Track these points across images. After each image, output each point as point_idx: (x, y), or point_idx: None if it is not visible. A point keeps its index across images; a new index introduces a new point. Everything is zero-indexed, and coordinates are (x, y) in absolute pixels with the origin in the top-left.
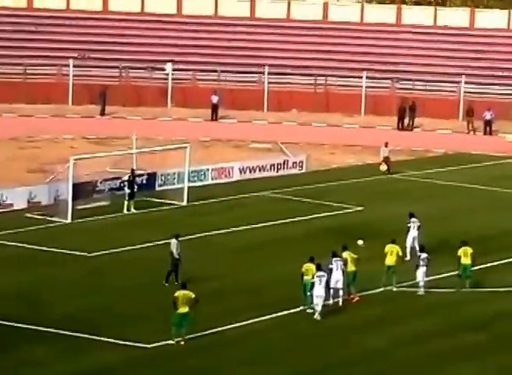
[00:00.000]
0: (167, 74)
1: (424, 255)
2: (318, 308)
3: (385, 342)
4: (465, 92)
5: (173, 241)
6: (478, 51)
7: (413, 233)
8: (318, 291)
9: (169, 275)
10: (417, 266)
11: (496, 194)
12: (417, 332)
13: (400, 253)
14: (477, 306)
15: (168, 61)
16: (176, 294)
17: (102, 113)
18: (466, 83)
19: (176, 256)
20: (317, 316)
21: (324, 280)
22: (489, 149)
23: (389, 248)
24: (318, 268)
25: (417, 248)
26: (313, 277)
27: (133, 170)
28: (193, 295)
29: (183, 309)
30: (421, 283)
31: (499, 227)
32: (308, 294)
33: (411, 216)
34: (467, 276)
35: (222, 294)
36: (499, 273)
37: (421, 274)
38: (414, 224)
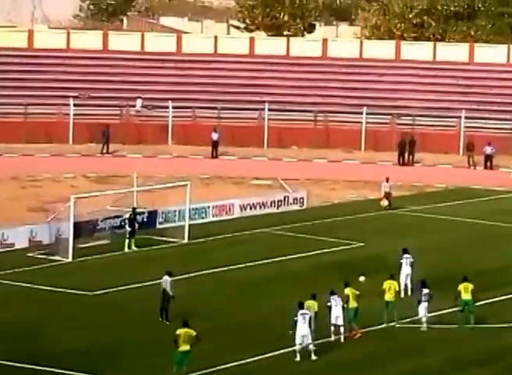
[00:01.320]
0: (138, 111)
1: (426, 291)
2: (310, 347)
3: None
4: (465, 127)
5: (166, 278)
6: (478, 86)
7: (406, 269)
8: (303, 330)
9: (162, 310)
10: (419, 302)
11: (497, 229)
12: (419, 369)
13: (398, 289)
14: (480, 342)
15: (137, 97)
16: (178, 332)
17: (107, 152)
18: (466, 117)
19: (170, 293)
20: (298, 358)
21: (307, 318)
22: (490, 184)
23: (387, 284)
24: (301, 306)
25: (410, 286)
26: (296, 315)
27: (134, 208)
28: (195, 333)
29: (185, 347)
30: (424, 319)
31: (501, 262)
32: (290, 332)
33: (404, 251)
34: (469, 311)
35: (223, 331)
36: (501, 308)
37: (423, 310)
38: (406, 260)
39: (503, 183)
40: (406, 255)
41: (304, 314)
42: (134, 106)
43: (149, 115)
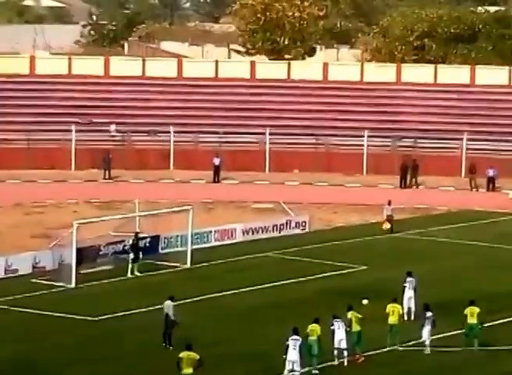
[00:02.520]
0: (113, 136)
1: (429, 314)
2: (286, 372)
3: None
4: (467, 149)
5: (168, 303)
6: (480, 108)
7: (408, 293)
8: (292, 356)
9: (165, 336)
10: (423, 325)
11: (501, 252)
12: None
13: (401, 312)
14: (485, 366)
15: (111, 122)
16: (181, 355)
17: (108, 177)
18: (468, 140)
19: (172, 318)
20: None
21: (298, 344)
22: (493, 206)
23: (390, 307)
24: (295, 332)
25: (413, 309)
26: (287, 340)
27: (136, 234)
28: (198, 357)
29: (187, 371)
30: (427, 343)
31: (505, 286)
32: (284, 357)
33: (408, 274)
34: (474, 335)
35: (227, 359)
36: (505, 332)
37: (426, 333)
38: (409, 284)
39: (505, 206)
40: (409, 279)
41: (295, 340)
42: (127, 132)
43: (151, 140)
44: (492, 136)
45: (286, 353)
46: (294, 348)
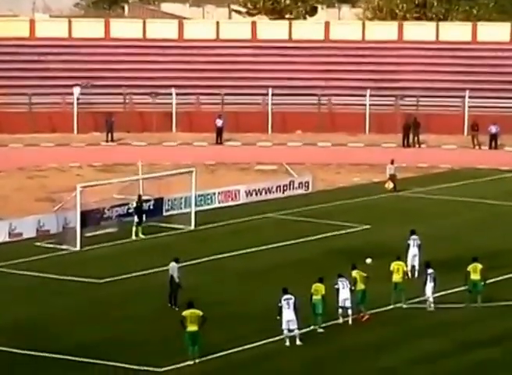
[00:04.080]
0: (78, 99)
1: (430, 271)
2: (295, 332)
3: (397, 361)
4: (469, 107)
5: (173, 265)
6: (482, 65)
7: (413, 251)
8: (288, 316)
9: (171, 297)
10: (425, 282)
11: (503, 209)
12: (429, 350)
13: (406, 269)
14: (489, 322)
15: (75, 85)
16: (184, 314)
17: (111, 140)
18: (470, 97)
19: (177, 280)
20: (287, 342)
21: (291, 302)
22: (495, 163)
23: (394, 265)
24: (286, 292)
25: (417, 267)
26: (280, 301)
27: (140, 196)
28: (201, 313)
29: (192, 327)
30: (431, 299)
31: (508, 242)
32: (278, 318)
33: (412, 233)
34: (477, 291)
35: (232, 319)
36: (509, 287)
37: (429, 290)
38: (414, 241)
39: (508, 163)
40: (413, 237)
41: (288, 299)
42: (128, 94)
43: (153, 102)
44: (495, 93)
45: (279, 314)
46: (288, 308)
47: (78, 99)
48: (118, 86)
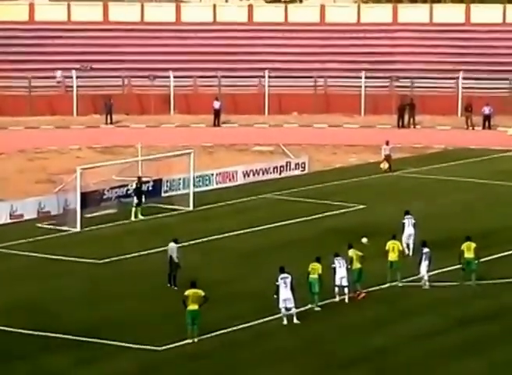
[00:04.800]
0: (59, 82)
1: (426, 250)
2: (292, 311)
3: (394, 338)
4: (463, 88)
5: (172, 245)
6: (475, 47)
7: (408, 230)
8: (285, 294)
9: (170, 277)
10: (420, 261)
11: (496, 188)
12: (425, 327)
13: (401, 248)
14: (484, 299)
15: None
16: (186, 293)
17: (110, 122)
18: (464, 78)
19: (176, 260)
20: (285, 321)
21: (288, 281)
22: (488, 143)
23: (390, 244)
24: (282, 270)
25: (412, 246)
26: (277, 280)
27: (139, 178)
28: (203, 293)
29: (193, 307)
30: (426, 278)
31: (501, 221)
32: (275, 296)
33: (406, 213)
34: (472, 270)
35: (231, 298)
36: (503, 265)
37: (424, 268)
38: (408, 221)
39: (501, 143)
40: (408, 216)
41: (285, 278)
42: (127, 77)
43: (151, 85)
44: (488, 74)
45: (276, 293)
46: (285, 286)
47: (59, 82)
48: (116, 69)
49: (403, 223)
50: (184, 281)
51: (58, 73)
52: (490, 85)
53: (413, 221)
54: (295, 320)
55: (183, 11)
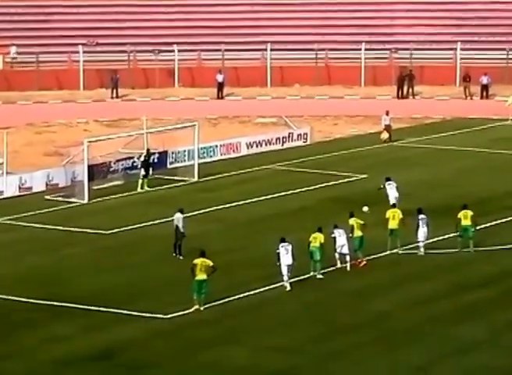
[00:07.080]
0: (13, 58)
1: (422, 216)
2: (286, 277)
3: (394, 303)
4: (461, 58)
5: (177, 215)
6: (473, 18)
7: (392, 193)
8: (287, 260)
9: (176, 246)
10: (417, 227)
11: (495, 157)
12: (425, 293)
13: (401, 216)
14: (482, 265)
15: (11, 44)
16: (195, 262)
17: (116, 96)
18: (462, 49)
19: (182, 230)
20: (288, 286)
21: (290, 249)
22: (486, 113)
23: (390, 212)
24: (283, 240)
25: (396, 195)
26: (277, 248)
27: (148, 150)
28: (212, 263)
29: (201, 276)
30: (421, 244)
31: (500, 189)
32: (278, 263)
33: (387, 179)
34: (469, 237)
35: (235, 266)
36: (500, 232)
37: (422, 234)
38: (391, 185)
39: (499, 112)
40: (389, 182)
41: (286, 246)
42: (132, 52)
43: (156, 59)
44: (486, 45)
45: (278, 260)
46: (287, 253)
47: (14, 58)
48: (122, 44)
49: (386, 189)
50: (188, 250)
51: (13, 49)
52: (488, 55)
53: (395, 185)
54: (288, 287)
55: None
